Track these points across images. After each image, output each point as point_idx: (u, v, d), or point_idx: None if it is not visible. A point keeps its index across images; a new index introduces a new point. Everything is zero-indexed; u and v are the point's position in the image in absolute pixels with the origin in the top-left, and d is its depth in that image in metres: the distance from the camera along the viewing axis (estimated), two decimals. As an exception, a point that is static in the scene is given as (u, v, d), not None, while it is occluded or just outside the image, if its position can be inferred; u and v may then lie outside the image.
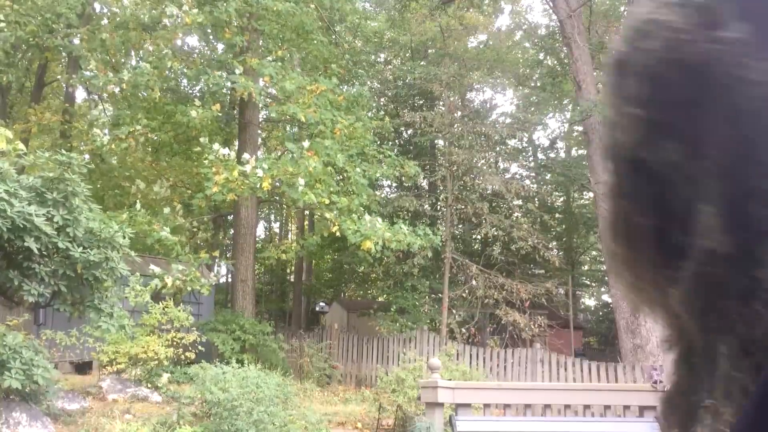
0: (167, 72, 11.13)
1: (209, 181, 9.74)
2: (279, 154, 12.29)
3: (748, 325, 0.45)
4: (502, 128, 16.23)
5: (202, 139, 10.79)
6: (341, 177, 11.80)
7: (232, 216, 15.33)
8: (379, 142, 14.07)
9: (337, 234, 11.00)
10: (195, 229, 13.03)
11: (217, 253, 11.88)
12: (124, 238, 5.64)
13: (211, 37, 14.94)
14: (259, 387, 5.75)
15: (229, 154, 10.07)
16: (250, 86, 10.46)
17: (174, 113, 11.65)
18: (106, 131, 13.59)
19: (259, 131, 15.02)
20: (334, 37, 14.78)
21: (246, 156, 10.15)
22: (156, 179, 14.40)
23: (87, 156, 15.04)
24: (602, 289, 23.39)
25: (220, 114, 11.78)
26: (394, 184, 19.24)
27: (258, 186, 9.82)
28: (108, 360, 8.30)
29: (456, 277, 14.24)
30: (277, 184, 10.46)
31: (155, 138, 12.46)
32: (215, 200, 10.15)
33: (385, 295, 16.08)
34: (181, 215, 11.44)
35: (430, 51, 18.58)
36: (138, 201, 10.47)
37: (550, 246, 14.03)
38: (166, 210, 10.57)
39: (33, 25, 10.04)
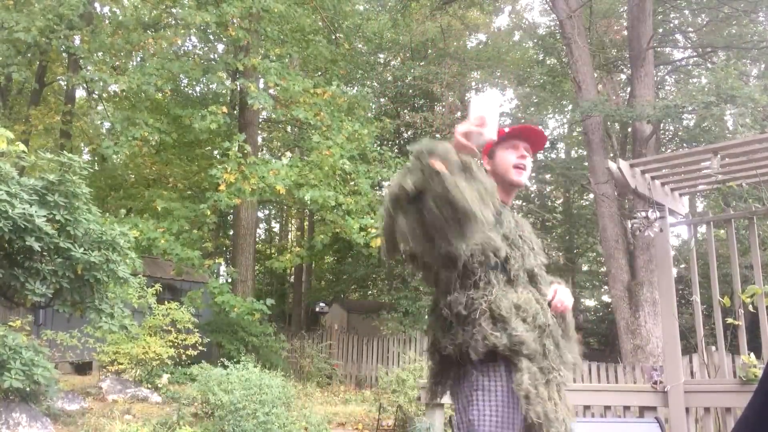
0: (170, 71, 11.10)
1: (219, 179, 9.73)
2: (290, 156, 12.26)
3: None
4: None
5: (216, 152, 10.81)
6: (346, 179, 11.83)
7: (231, 217, 15.34)
8: (379, 143, 14.07)
9: (341, 236, 11.03)
10: (202, 238, 13.02)
11: (221, 260, 11.88)
12: (125, 239, 5.64)
13: (211, 37, 14.95)
14: (261, 389, 5.75)
15: (247, 152, 10.11)
16: (262, 99, 10.46)
17: (179, 116, 11.64)
18: (107, 126, 13.53)
19: (259, 131, 15.03)
20: (334, 38, 14.78)
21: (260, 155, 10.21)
22: (158, 179, 14.42)
23: (87, 156, 15.07)
24: (602, 290, 23.39)
25: (227, 115, 11.82)
26: (394, 185, 19.20)
27: (272, 190, 9.86)
28: (109, 360, 8.31)
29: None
30: (287, 186, 10.46)
31: (157, 138, 12.48)
32: (221, 207, 10.16)
33: (388, 297, 16.06)
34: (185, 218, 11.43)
35: (430, 51, 18.58)
36: (147, 216, 10.46)
37: (552, 246, 14.02)
38: (175, 225, 10.47)
39: (36, 27, 10.04)
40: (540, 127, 2.14)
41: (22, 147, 5.30)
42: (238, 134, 10.34)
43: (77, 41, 11.65)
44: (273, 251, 24.72)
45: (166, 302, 9.21)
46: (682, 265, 14.47)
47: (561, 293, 1.99)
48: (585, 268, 24.55)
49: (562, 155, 22.06)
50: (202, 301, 10.65)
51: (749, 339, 4.06)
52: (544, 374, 1.80)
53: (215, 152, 15.64)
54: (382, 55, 19.30)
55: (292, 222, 26.62)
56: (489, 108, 1.67)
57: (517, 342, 1.76)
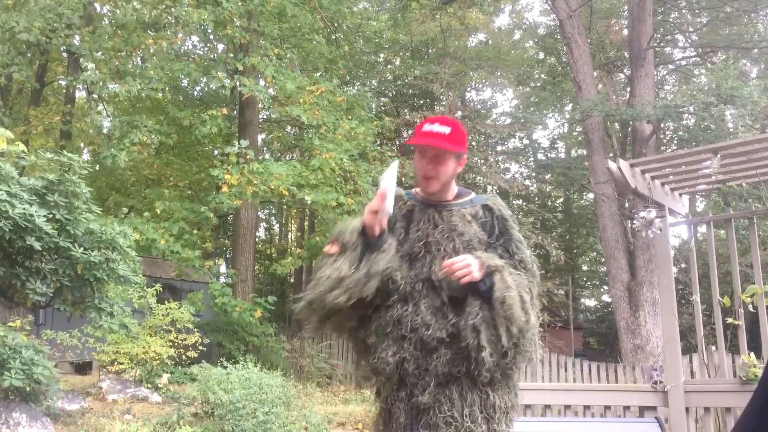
0: (170, 72, 11.10)
1: (220, 179, 9.74)
2: (289, 157, 12.25)
3: None
4: (502, 128, 16.23)
5: (216, 152, 10.82)
6: (347, 178, 11.83)
7: (231, 217, 15.33)
8: (379, 143, 14.06)
9: None
10: (202, 238, 13.03)
11: (221, 261, 11.89)
12: (125, 237, 5.64)
13: (211, 36, 14.94)
14: (261, 388, 5.75)
15: (246, 153, 10.12)
16: (256, 89, 10.45)
17: (181, 118, 11.63)
18: (106, 125, 13.49)
19: (259, 132, 15.02)
20: (334, 38, 14.77)
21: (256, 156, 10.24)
22: (158, 179, 14.41)
23: (87, 156, 15.05)
24: (602, 290, 23.39)
25: (226, 116, 11.82)
26: (394, 185, 19.20)
27: (274, 191, 9.87)
28: (109, 360, 8.31)
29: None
30: (293, 188, 10.44)
31: (157, 138, 12.46)
32: (222, 208, 10.16)
33: None
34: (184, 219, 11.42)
35: (430, 51, 18.58)
36: (148, 217, 10.46)
37: (553, 245, 14.02)
38: (176, 226, 10.44)
39: (36, 26, 10.03)
40: (440, 131, 1.94)
41: (22, 147, 5.31)
42: (242, 140, 10.35)
43: (77, 40, 11.65)
44: (273, 251, 24.72)
45: (166, 302, 9.21)
46: (682, 265, 14.47)
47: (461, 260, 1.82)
48: (585, 267, 24.56)
49: (562, 155, 22.06)
50: (203, 303, 10.66)
51: (749, 339, 4.06)
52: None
53: (215, 152, 15.62)
54: (382, 55, 19.31)
55: (292, 222, 26.61)
56: (391, 180, 1.92)
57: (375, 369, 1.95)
